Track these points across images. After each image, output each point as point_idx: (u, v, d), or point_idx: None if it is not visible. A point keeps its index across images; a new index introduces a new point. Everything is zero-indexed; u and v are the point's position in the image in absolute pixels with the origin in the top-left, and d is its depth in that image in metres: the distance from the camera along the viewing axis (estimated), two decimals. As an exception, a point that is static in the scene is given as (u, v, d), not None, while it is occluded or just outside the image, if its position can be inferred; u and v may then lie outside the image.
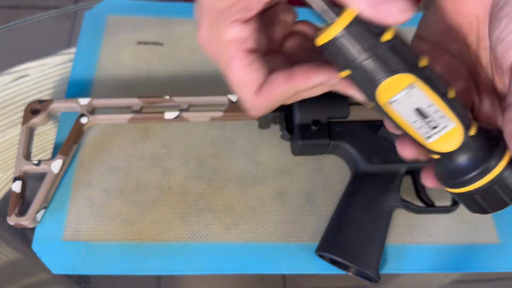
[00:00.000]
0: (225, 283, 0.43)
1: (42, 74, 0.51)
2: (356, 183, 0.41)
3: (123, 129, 0.46)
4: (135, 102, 0.44)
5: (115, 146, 0.45)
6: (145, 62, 0.51)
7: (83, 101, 0.44)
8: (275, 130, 0.48)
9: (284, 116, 0.43)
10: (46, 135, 0.48)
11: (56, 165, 0.41)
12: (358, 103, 0.43)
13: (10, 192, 0.40)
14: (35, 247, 0.40)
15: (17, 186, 0.40)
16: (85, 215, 0.42)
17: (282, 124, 0.43)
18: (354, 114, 0.43)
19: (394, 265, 0.42)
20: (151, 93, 0.49)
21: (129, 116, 0.44)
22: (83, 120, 0.44)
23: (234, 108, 0.44)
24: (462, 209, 0.45)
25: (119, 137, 0.46)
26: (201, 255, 0.41)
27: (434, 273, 0.44)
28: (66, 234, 0.41)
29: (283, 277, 0.43)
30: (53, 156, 0.44)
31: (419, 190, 0.42)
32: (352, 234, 0.39)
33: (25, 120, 0.43)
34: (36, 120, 0.43)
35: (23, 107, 0.45)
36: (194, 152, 0.46)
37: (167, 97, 0.44)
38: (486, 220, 0.45)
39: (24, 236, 0.44)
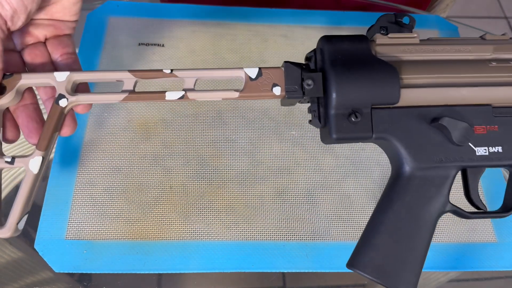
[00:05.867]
0: (225, 281, 0.43)
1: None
2: (399, 186, 0.35)
3: (125, 129, 0.47)
4: (125, 76, 0.35)
5: (116, 146, 0.46)
6: (146, 63, 0.52)
7: (60, 76, 0.34)
8: (275, 130, 0.48)
9: (317, 99, 0.35)
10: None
11: (34, 164, 0.34)
12: (412, 85, 0.35)
13: (11, 192, 0.40)
14: (37, 246, 0.40)
15: None
16: (87, 214, 0.42)
17: (312, 108, 0.36)
18: (405, 99, 0.35)
19: (393, 264, 0.42)
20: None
21: (122, 96, 0.35)
22: (62, 102, 0.34)
23: (253, 87, 0.35)
24: (459, 208, 0.46)
25: (121, 137, 0.46)
26: (201, 254, 0.41)
27: (432, 271, 0.44)
28: (68, 233, 0.41)
29: (283, 275, 0.44)
30: None
31: (471, 192, 0.36)
32: (390, 248, 0.34)
33: None
34: (3, 101, 0.34)
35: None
36: (195, 152, 0.46)
37: (167, 71, 0.35)
38: (484, 219, 0.45)
39: (27, 235, 0.44)
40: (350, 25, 0.58)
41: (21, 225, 0.34)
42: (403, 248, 0.33)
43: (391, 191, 0.35)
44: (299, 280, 0.44)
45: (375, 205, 0.45)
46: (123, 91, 0.35)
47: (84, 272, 0.40)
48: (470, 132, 0.34)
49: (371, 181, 0.46)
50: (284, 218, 0.44)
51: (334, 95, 0.33)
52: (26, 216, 0.34)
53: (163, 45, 0.53)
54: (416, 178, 0.34)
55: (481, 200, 0.37)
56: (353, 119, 0.34)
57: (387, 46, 0.36)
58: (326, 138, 0.36)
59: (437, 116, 0.34)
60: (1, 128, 0.35)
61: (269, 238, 0.43)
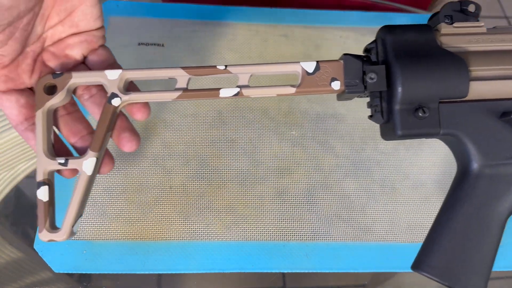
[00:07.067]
0: (225, 281, 0.43)
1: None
2: (467, 185, 0.33)
3: (124, 129, 0.47)
4: (179, 73, 0.35)
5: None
6: (146, 63, 0.52)
7: (112, 74, 0.34)
8: (275, 130, 0.48)
9: (379, 93, 0.33)
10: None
11: (88, 165, 0.33)
12: (480, 78, 0.33)
13: (11, 192, 0.40)
14: (37, 246, 0.40)
15: (43, 193, 0.33)
16: (86, 214, 0.42)
17: (373, 103, 0.34)
18: (474, 92, 0.33)
19: (393, 264, 0.42)
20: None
21: (176, 94, 0.34)
22: (115, 101, 0.33)
23: (310, 82, 0.34)
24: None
25: (120, 137, 0.46)
26: (201, 254, 0.41)
27: (433, 272, 0.44)
28: (68, 233, 0.41)
29: (283, 275, 0.44)
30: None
31: None
32: (458, 250, 0.32)
33: (40, 102, 0.33)
34: (54, 101, 0.33)
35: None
36: (195, 152, 0.46)
37: (221, 68, 0.34)
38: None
39: (26, 235, 0.44)
40: (351, 25, 0.57)
41: (76, 228, 0.33)
42: (472, 250, 0.32)
43: (457, 190, 0.33)
44: (299, 280, 0.44)
45: (375, 205, 0.45)
46: (177, 89, 0.34)
47: (83, 272, 0.40)
48: None
49: (371, 181, 0.46)
50: (284, 218, 0.44)
51: (400, 89, 0.32)
52: (80, 219, 0.34)
53: (163, 45, 0.53)
54: (485, 176, 0.33)
55: None
56: (420, 114, 0.32)
57: (453, 36, 0.33)
58: (388, 134, 0.34)
59: (507, 110, 0.33)
60: (52, 129, 0.34)
61: (269, 238, 0.43)
